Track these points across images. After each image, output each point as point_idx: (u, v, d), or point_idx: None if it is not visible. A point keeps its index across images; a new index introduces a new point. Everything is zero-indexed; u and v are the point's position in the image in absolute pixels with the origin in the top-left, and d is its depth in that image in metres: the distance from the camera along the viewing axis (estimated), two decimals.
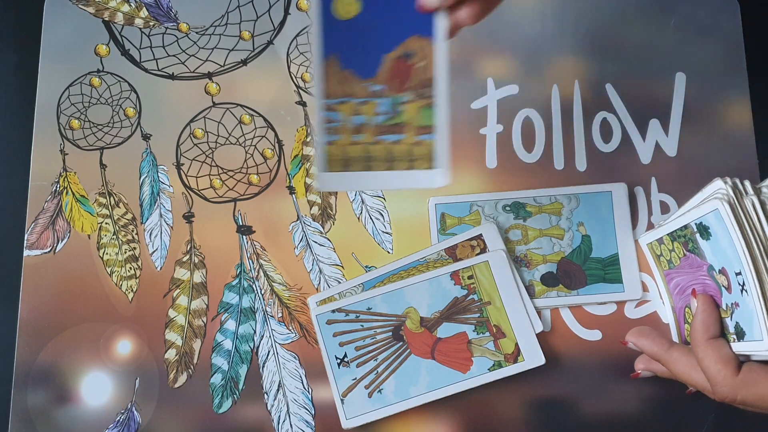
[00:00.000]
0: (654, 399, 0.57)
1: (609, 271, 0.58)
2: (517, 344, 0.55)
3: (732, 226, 0.46)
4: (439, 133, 0.49)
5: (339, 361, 0.56)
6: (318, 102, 0.48)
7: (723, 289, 0.49)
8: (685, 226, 0.51)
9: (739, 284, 0.47)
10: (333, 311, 0.56)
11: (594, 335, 0.58)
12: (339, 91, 0.48)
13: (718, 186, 0.48)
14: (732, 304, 0.48)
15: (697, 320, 0.49)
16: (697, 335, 0.49)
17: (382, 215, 0.59)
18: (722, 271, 0.48)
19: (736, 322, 0.48)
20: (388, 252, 0.59)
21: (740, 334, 0.47)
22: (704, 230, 0.49)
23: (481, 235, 0.58)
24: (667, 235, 0.54)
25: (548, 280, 0.58)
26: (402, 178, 0.49)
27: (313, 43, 0.48)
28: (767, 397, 0.46)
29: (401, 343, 0.56)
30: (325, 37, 0.48)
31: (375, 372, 0.55)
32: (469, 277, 0.57)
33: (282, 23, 0.62)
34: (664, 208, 0.60)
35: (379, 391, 0.55)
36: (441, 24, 0.48)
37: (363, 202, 0.59)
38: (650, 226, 0.59)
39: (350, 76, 0.49)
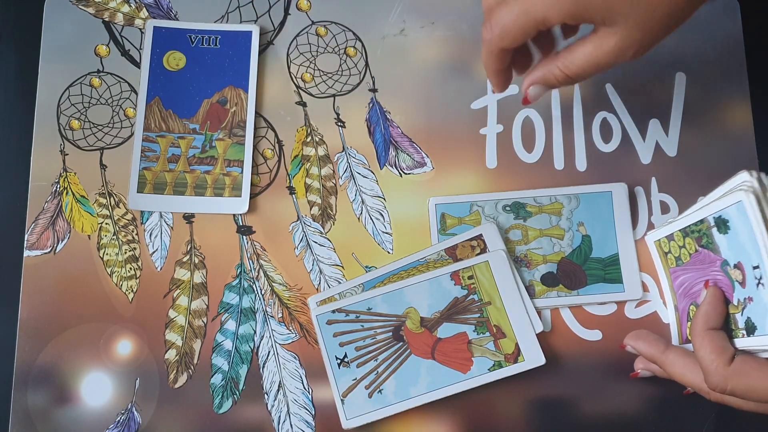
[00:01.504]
0: (654, 399, 0.57)
1: (609, 271, 0.58)
2: (517, 344, 0.56)
3: (755, 218, 0.46)
4: (245, 166, 0.58)
5: (339, 361, 0.56)
6: (137, 134, 0.59)
7: (736, 284, 0.49)
8: (701, 221, 0.51)
9: (755, 278, 0.47)
10: (333, 311, 0.56)
11: (594, 335, 0.58)
12: (158, 126, 0.59)
13: (743, 178, 0.48)
14: (745, 299, 0.48)
15: (700, 310, 0.50)
16: (697, 324, 0.49)
17: (382, 215, 0.59)
18: (738, 266, 0.48)
19: (747, 317, 0.48)
20: (389, 252, 0.59)
21: (751, 329, 0.47)
22: (723, 224, 0.49)
23: (481, 235, 0.58)
24: (679, 231, 0.54)
25: (548, 280, 0.58)
26: (208, 204, 0.58)
27: (140, 87, 0.60)
28: (757, 389, 0.46)
29: (401, 343, 0.56)
30: (150, 83, 0.60)
31: (375, 372, 0.55)
32: (470, 278, 0.57)
33: (282, 23, 0.62)
34: (664, 208, 0.60)
35: (380, 391, 0.55)
36: (252, 77, 0.60)
37: (363, 202, 0.59)
38: (650, 226, 0.59)
39: (171, 115, 0.59)
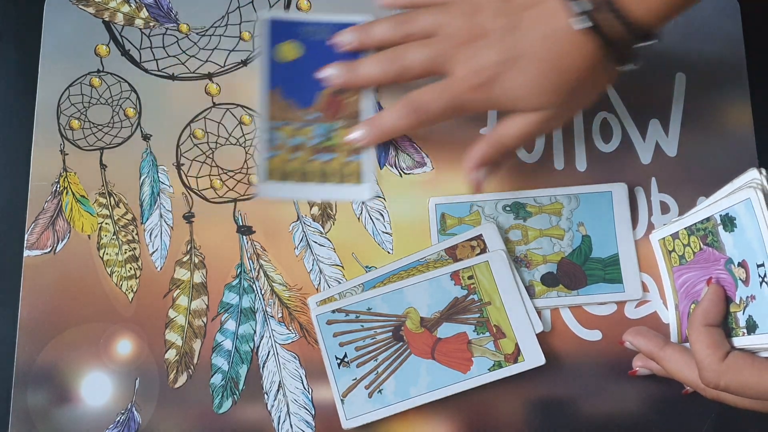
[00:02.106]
0: (654, 399, 0.57)
1: (609, 272, 0.58)
2: (517, 344, 0.56)
3: (763, 215, 0.46)
4: (366, 154, 0.58)
5: (339, 361, 0.56)
6: (262, 124, 0.58)
7: (740, 282, 0.49)
8: (707, 219, 0.51)
9: (759, 276, 0.47)
10: (333, 311, 0.56)
11: (594, 335, 0.58)
12: (280, 116, 0.58)
13: (752, 176, 0.48)
14: (748, 297, 0.48)
15: (700, 306, 0.50)
16: (695, 319, 0.49)
17: (382, 215, 0.59)
18: (742, 264, 0.48)
19: (749, 316, 0.48)
20: (389, 252, 0.59)
21: (752, 328, 0.47)
22: (729, 221, 0.49)
23: (481, 235, 0.58)
24: (684, 229, 0.54)
25: (548, 280, 0.58)
26: (334, 191, 0.58)
27: (260, 77, 0.58)
28: (751, 385, 0.46)
29: (401, 343, 0.56)
30: (270, 73, 0.58)
31: (375, 372, 0.55)
32: (469, 278, 0.57)
33: None
34: (664, 209, 0.60)
35: (380, 391, 0.55)
36: None
37: (363, 202, 0.59)
38: (650, 226, 0.59)
39: (291, 105, 0.58)
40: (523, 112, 0.51)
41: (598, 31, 0.47)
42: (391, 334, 0.56)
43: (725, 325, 0.50)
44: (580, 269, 0.58)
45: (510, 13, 0.49)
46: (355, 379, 0.55)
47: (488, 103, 0.52)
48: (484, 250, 0.58)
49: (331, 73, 0.56)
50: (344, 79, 0.55)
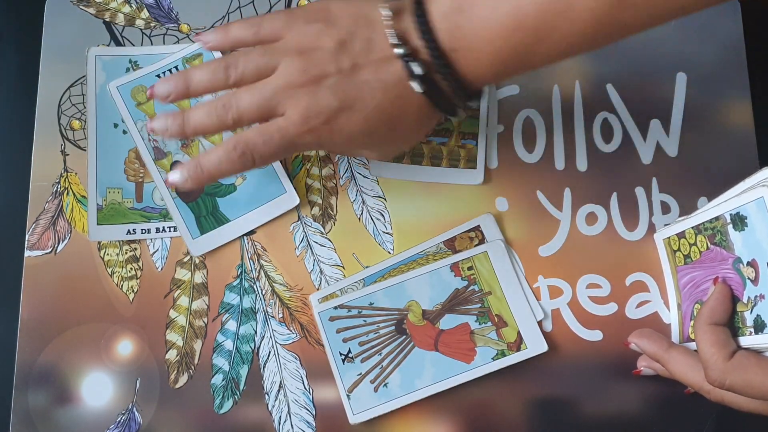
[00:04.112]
0: (655, 400, 0.57)
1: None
2: (519, 332, 0.56)
3: None
4: (480, 139, 0.59)
5: (343, 357, 0.56)
6: None
7: (748, 281, 0.49)
8: (717, 218, 0.51)
9: None
10: (335, 308, 0.56)
11: (595, 335, 0.58)
12: None
13: (765, 174, 0.48)
14: (756, 296, 0.48)
15: (706, 305, 0.50)
16: (701, 318, 0.49)
17: (382, 215, 0.59)
18: (751, 263, 0.48)
19: (757, 315, 0.48)
20: (389, 252, 0.59)
21: (760, 327, 0.47)
22: (740, 221, 0.49)
23: (479, 226, 0.58)
24: (692, 228, 0.54)
25: None
26: (444, 174, 0.59)
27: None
28: (756, 385, 0.46)
29: (404, 336, 0.56)
30: None
31: (380, 366, 0.55)
32: (469, 269, 0.57)
33: None
34: (665, 209, 0.60)
35: (385, 385, 0.55)
36: None
37: (364, 202, 0.59)
38: (651, 226, 0.59)
39: None
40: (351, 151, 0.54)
41: (433, 92, 0.48)
42: (393, 327, 0.56)
43: (732, 325, 0.50)
44: None
45: (348, 56, 0.48)
46: (360, 374, 0.55)
47: (317, 146, 0.51)
48: (482, 241, 0.58)
49: (159, 126, 0.51)
50: (173, 131, 0.51)
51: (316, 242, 0.59)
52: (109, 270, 0.58)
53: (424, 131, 0.54)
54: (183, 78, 0.51)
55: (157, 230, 0.58)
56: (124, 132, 0.59)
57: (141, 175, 0.58)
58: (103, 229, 0.57)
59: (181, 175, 0.51)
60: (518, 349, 0.56)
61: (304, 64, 0.48)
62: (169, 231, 0.58)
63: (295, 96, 0.48)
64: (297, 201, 0.58)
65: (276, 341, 0.57)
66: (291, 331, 0.57)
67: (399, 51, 0.47)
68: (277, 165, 0.58)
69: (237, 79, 0.50)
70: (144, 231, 0.58)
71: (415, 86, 0.48)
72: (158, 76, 0.59)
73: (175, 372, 0.56)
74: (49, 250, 0.58)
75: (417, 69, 0.47)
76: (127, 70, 0.60)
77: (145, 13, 0.62)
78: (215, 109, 0.50)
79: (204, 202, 0.58)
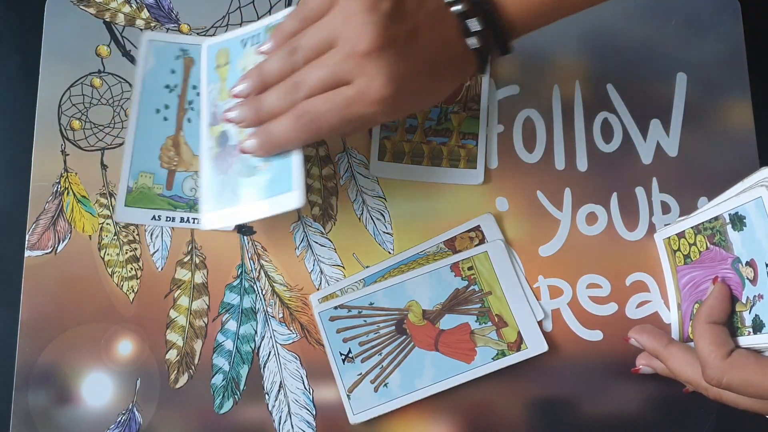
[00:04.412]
0: (655, 400, 0.57)
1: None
2: (519, 332, 0.56)
3: None
4: (480, 139, 0.59)
5: (343, 357, 0.56)
6: None
7: (747, 281, 0.49)
8: (716, 218, 0.51)
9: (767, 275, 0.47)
10: (335, 308, 0.56)
11: (595, 335, 0.58)
12: None
13: (764, 174, 0.49)
14: (755, 296, 0.48)
15: (705, 304, 0.50)
16: (700, 317, 0.50)
17: (382, 215, 0.59)
18: (750, 263, 0.48)
19: (756, 315, 0.48)
20: (389, 252, 0.59)
21: (758, 327, 0.47)
22: (739, 220, 0.49)
23: (479, 226, 0.58)
24: (691, 228, 0.54)
25: None
26: (444, 174, 0.59)
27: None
28: (753, 383, 0.46)
29: (404, 336, 0.56)
30: None
31: (380, 366, 0.55)
32: (469, 269, 0.57)
33: None
34: (665, 209, 0.60)
35: (385, 385, 0.55)
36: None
37: (364, 202, 0.59)
38: (651, 226, 0.59)
39: None
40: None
41: (483, 48, 0.49)
42: (394, 327, 0.56)
43: (730, 325, 0.50)
44: None
45: (406, 16, 0.48)
46: (361, 374, 0.55)
47: (384, 116, 0.49)
48: (482, 241, 0.58)
49: (235, 116, 0.52)
50: (250, 119, 0.51)
51: (317, 242, 0.59)
52: (110, 270, 0.58)
53: (459, 82, 0.55)
54: (258, 74, 0.51)
55: (182, 220, 0.58)
56: (165, 119, 0.59)
57: (175, 163, 0.58)
58: (130, 211, 0.58)
59: (253, 145, 0.51)
60: (518, 349, 0.56)
61: (366, 27, 0.47)
62: (193, 222, 0.58)
63: (363, 65, 0.47)
64: (300, 202, 0.53)
65: (276, 341, 0.57)
66: (291, 331, 0.57)
67: (457, 8, 0.48)
68: (297, 159, 0.53)
69: (304, 59, 0.50)
70: (168, 219, 0.58)
71: (472, 42, 0.48)
72: (242, 41, 0.57)
73: (176, 372, 0.56)
74: (50, 250, 0.58)
75: (475, 25, 0.48)
76: (177, 57, 0.60)
77: (145, 13, 0.62)
78: (287, 92, 0.50)
79: (230, 177, 0.55)
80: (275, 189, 0.52)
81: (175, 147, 0.59)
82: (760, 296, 0.47)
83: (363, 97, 0.48)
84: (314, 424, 0.56)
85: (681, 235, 0.55)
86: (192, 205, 0.58)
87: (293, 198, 0.51)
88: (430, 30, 0.48)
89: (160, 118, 0.59)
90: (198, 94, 0.59)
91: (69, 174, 0.59)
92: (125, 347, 0.57)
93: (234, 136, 0.54)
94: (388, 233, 0.59)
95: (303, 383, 0.57)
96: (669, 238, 0.57)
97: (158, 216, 0.58)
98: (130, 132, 0.58)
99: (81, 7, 0.62)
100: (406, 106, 0.50)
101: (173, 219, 0.58)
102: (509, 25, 0.49)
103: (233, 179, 0.54)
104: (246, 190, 0.53)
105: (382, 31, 0.47)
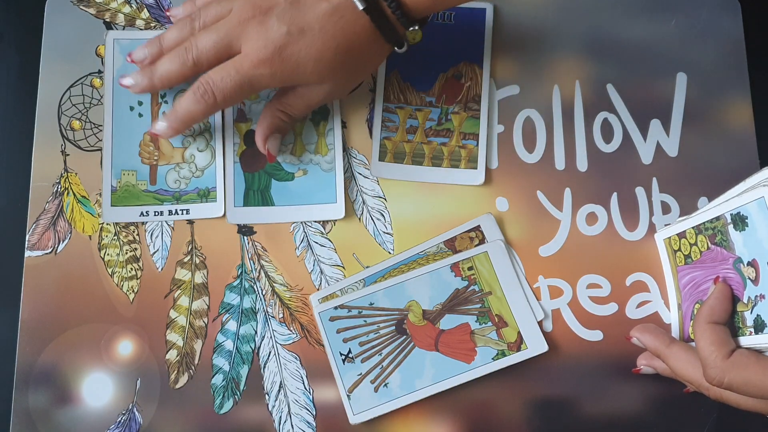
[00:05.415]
0: (655, 400, 0.57)
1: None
2: (519, 333, 0.56)
3: None
4: (480, 139, 0.59)
5: (344, 357, 0.56)
6: (378, 105, 0.60)
7: (749, 281, 0.49)
8: (717, 218, 0.51)
9: None
10: (335, 308, 0.56)
11: (595, 335, 0.58)
12: (397, 98, 0.60)
13: (766, 174, 0.48)
14: (756, 296, 0.48)
15: (706, 303, 0.50)
16: (701, 316, 0.49)
17: (383, 216, 0.59)
18: (752, 263, 0.48)
19: (757, 315, 0.48)
20: (389, 252, 0.59)
21: (760, 327, 0.47)
22: (741, 220, 0.49)
23: (479, 226, 0.58)
24: (692, 228, 0.54)
25: None
26: (445, 174, 0.59)
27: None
28: (755, 383, 0.46)
29: (405, 336, 0.56)
30: (389, 56, 0.58)
31: (380, 366, 0.55)
32: (469, 269, 0.57)
33: None
34: (665, 209, 0.60)
35: (385, 385, 0.55)
36: (486, 53, 0.61)
37: (364, 202, 0.59)
38: (651, 226, 0.59)
39: (408, 87, 0.60)
40: (306, 84, 0.54)
41: (373, 12, 0.51)
42: (394, 327, 0.56)
43: (731, 325, 0.50)
44: None
45: None
46: (361, 374, 0.55)
47: (274, 78, 0.53)
48: (482, 241, 0.58)
49: (129, 83, 0.56)
50: (143, 85, 0.56)
51: (317, 242, 0.59)
52: (110, 270, 0.58)
53: (374, 62, 0.56)
54: (156, 41, 0.56)
55: (170, 212, 0.58)
56: (140, 115, 0.59)
57: (155, 157, 0.58)
58: (117, 211, 0.58)
59: (163, 125, 0.55)
60: (518, 349, 0.56)
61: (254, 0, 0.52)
62: (182, 214, 0.58)
63: (247, 30, 0.52)
64: (342, 214, 0.58)
65: (276, 341, 0.57)
66: (291, 331, 0.57)
67: None
68: (339, 175, 0.59)
69: (201, 27, 0.54)
70: (157, 213, 0.58)
71: (357, 3, 0.51)
72: None
73: (176, 372, 0.56)
74: (50, 250, 0.58)
75: None
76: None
77: (145, 13, 0.62)
78: (177, 54, 0.54)
79: (260, 177, 0.58)
80: (317, 197, 0.58)
81: (153, 142, 0.59)
82: (762, 296, 0.47)
83: (247, 59, 0.52)
84: (314, 424, 0.56)
85: (682, 235, 0.55)
86: (178, 197, 0.58)
87: (336, 209, 0.58)
88: None
89: (134, 115, 0.59)
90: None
91: (69, 174, 0.59)
92: (125, 347, 0.57)
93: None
94: (388, 233, 0.59)
95: (303, 383, 0.57)
96: (669, 238, 0.57)
97: (146, 212, 0.58)
98: (107, 132, 0.59)
99: (81, 7, 0.62)
100: (295, 70, 0.52)
101: (161, 213, 0.58)
102: None
103: (264, 179, 0.57)
104: (281, 192, 0.58)
105: None
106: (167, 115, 0.55)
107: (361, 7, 0.51)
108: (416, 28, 0.53)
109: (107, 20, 0.62)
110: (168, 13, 0.57)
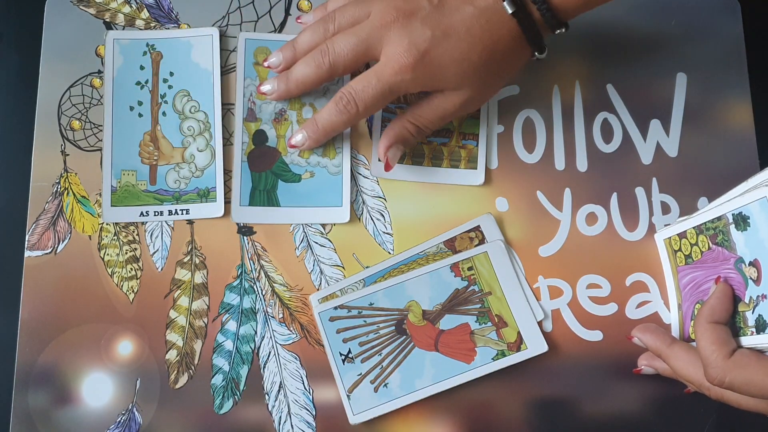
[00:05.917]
0: (655, 400, 0.57)
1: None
2: (519, 333, 0.56)
3: None
4: (480, 140, 0.59)
5: (343, 357, 0.56)
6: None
7: (750, 281, 0.49)
8: (719, 218, 0.51)
9: None
10: (335, 308, 0.56)
11: (595, 336, 0.58)
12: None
13: None
14: (758, 296, 0.48)
15: (707, 303, 0.50)
16: (702, 316, 0.49)
17: (383, 216, 0.59)
18: (754, 263, 0.48)
19: (759, 315, 0.48)
20: (389, 253, 0.59)
21: (761, 327, 0.47)
22: (742, 220, 0.49)
23: (479, 226, 0.58)
24: (693, 228, 0.54)
25: None
26: (445, 174, 0.59)
27: None
28: (756, 382, 0.46)
29: (404, 336, 0.56)
30: None
31: (380, 366, 0.55)
32: (469, 269, 0.57)
33: (283, 24, 0.62)
34: (665, 209, 0.60)
35: (385, 385, 0.55)
36: None
37: (364, 202, 0.59)
38: (651, 226, 0.59)
39: None
40: (444, 92, 0.53)
41: (521, 15, 0.50)
42: (394, 328, 0.56)
43: (733, 325, 0.50)
44: None
45: None
46: (360, 374, 0.55)
47: (415, 83, 0.52)
48: (482, 241, 0.58)
49: (266, 89, 0.57)
50: (280, 90, 0.56)
51: (316, 242, 0.59)
52: (109, 270, 0.58)
53: (513, 68, 0.54)
54: (290, 46, 0.55)
55: (170, 212, 0.58)
56: (140, 115, 0.59)
57: (155, 157, 0.58)
58: (117, 211, 0.58)
59: (303, 136, 0.55)
60: (518, 350, 0.56)
61: (395, 2, 0.51)
62: (182, 214, 0.58)
63: (389, 34, 0.50)
64: (347, 218, 0.58)
65: (276, 341, 0.57)
66: (291, 331, 0.57)
67: None
68: (346, 178, 0.59)
69: (336, 31, 0.53)
70: (157, 213, 0.58)
71: (507, 6, 0.49)
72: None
73: (176, 372, 0.56)
74: (49, 250, 0.58)
75: None
76: (144, 53, 0.60)
77: (145, 13, 0.62)
78: (312, 58, 0.53)
79: (267, 177, 0.58)
80: (322, 200, 0.58)
81: (153, 142, 0.59)
82: (764, 296, 0.47)
83: (388, 66, 0.51)
84: (314, 424, 0.56)
85: (682, 235, 0.55)
86: (178, 197, 0.58)
87: (341, 213, 0.58)
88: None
89: (134, 115, 0.59)
90: (170, 87, 0.60)
91: (69, 174, 0.59)
92: (125, 347, 0.57)
93: (273, 138, 0.58)
94: (388, 233, 0.59)
95: (303, 383, 0.57)
96: (670, 238, 0.57)
97: (146, 212, 0.58)
98: (106, 132, 0.59)
99: (81, 7, 0.62)
100: (437, 73, 0.51)
101: (161, 213, 0.58)
102: None
103: (271, 179, 0.57)
104: (288, 193, 0.58)
105: (410, 1, 0.50)
106: (306, 126, 0.55)
107: (510, 11, 0.50)
108: (563, 30, 0.52)
109: (107, 20, 0.62)
110: (299, 21, 0.56)
